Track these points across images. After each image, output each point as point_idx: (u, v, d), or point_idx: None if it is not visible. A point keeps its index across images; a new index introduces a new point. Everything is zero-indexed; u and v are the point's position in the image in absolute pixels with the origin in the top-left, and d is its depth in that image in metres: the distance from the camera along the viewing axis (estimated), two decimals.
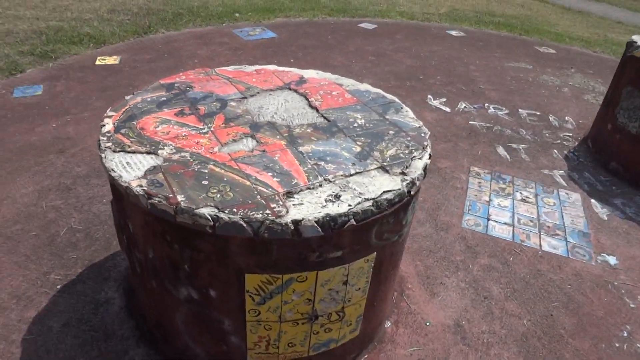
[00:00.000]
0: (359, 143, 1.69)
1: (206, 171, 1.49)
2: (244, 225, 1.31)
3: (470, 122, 3.81)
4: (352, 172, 1.53)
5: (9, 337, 1.89)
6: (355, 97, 2.04)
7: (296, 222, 1.33)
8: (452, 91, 4.34)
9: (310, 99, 1.99)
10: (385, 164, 1.59)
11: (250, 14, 6.10)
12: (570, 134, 3.78)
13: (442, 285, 2.31)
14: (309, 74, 2.24)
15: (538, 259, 2.51)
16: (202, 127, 1.73)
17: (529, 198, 2.96)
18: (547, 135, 3.74)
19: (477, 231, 2.66)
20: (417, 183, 1.57)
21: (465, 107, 4.06)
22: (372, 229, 1.48)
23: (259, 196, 1.39)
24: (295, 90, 2.06)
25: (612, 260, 2.55)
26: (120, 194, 1.51)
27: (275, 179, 1.47)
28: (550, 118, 4.01)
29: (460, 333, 2.08)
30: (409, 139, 1.75)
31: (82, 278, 2.18)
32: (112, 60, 4.50)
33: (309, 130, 1.76)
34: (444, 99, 4.17)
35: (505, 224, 2.73)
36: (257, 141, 1.67)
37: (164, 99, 1.91)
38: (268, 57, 4.76)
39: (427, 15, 6.69)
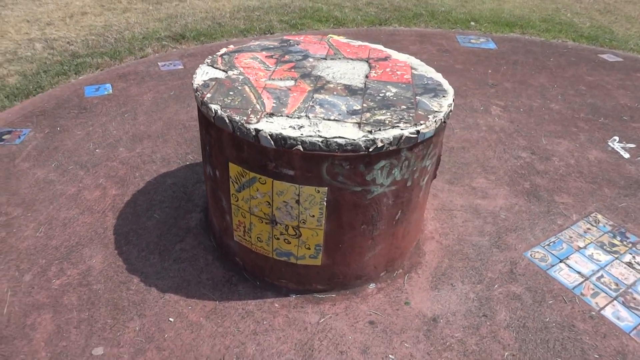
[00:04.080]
0: (365, 105, 1.96)
1: (240, 88, 2.05)
2: (227, 121, 1.83)
3: None
4: (331, 118, 1.85)
5: (144, 177, 2.90)
6: (411, 79, 2.24)
7: (257, 131, 1.77)
8: None
9: (372, 71, 2.30)
10: (364, 122, 1.84)
11: (486, 25, 6.16)
12: None
13: (451, 287, 2.30)
14: (398, 56, 2.51)
15: (585, 317, 2.18)
16: (272, 66, 2.29)
17: (639, 266, 2.47)
18: None
19: (536, 265, 2.43)
20: (380, 144, 1.77)
21: None
22: (322, 164, 1.78)
23: (250, 109, 1.88)
24: (369, 63, 2.39)
25: None
26: None
27: (273, 104, 1.92)
28: None
29: (429, 325, 2.10)
30: (413, 115, 1.91)
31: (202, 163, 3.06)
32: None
33: (339, 87, 2.11)
34: (632, 145, 3.56)
35: (578, 272, 2.40)
36: (295, 83, 2.13)
37: (270, 46, 2.53)
38: (467, 63, 4.87)
39: None
